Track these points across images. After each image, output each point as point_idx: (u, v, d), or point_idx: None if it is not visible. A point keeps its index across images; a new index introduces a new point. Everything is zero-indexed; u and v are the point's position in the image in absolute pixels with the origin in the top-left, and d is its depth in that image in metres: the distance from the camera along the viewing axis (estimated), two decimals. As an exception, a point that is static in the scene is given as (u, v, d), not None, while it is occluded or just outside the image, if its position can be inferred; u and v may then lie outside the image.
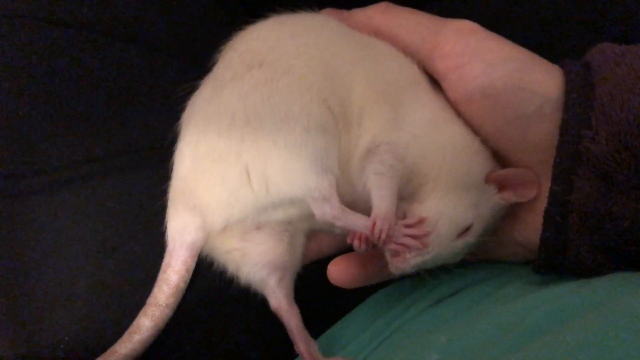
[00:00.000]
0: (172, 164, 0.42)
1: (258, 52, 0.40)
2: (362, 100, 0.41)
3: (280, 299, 0.42)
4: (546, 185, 0.37)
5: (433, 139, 0.40)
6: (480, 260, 0.43)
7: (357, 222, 0.38)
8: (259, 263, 0.42)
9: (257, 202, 0.39)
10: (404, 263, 0.38)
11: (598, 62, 0.37)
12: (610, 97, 0.34)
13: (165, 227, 0.42)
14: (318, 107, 0.39)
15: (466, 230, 0.39)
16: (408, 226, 0.38)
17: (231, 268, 0.42)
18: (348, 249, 0.42)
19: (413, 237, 0.37)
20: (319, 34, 0.42)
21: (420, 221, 0.38)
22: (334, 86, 0.40)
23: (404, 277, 0.43)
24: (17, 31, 0.42)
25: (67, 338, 0.43)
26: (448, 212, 0.39)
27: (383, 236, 0.36)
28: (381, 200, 0.37)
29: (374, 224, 0.36)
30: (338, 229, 0.41)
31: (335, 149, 0.39)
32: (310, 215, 0.39)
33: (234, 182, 0.38)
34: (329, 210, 0.38)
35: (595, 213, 0.35)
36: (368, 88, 0.41)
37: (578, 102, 0.35)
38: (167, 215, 0.42)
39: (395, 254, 0.38)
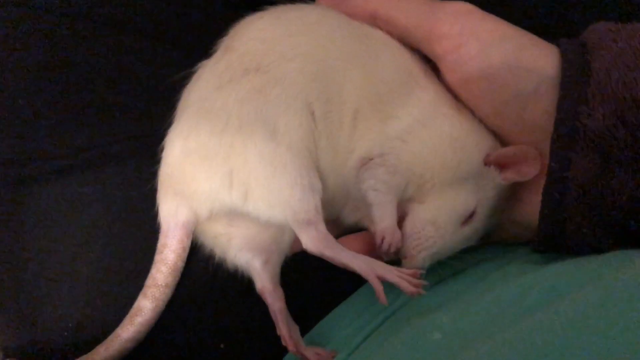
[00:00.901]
0: (163, 149, 0.42)
1: (255, 54, 0.41)
2: (357, 101, 0.41)
3: (264, 282, 0.42)
4: (544, 163, 0.37)
5: (421, 138, 0.40)
6: (481, 242, 0.43)
7: (345, 258, 0.38)
8: (244, 247, 0.42)
9: (233, 207, 0.40)
10: (414, 260, 0.39)
11: (594, 39, 0.37)
12: (606, 73, 0.35)
13: (157, 210, 0.42)
14: (300, 119, 0.39)
15: (470, 216, 0.40)
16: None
17: (218, 252, 0.43)
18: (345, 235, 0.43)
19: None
20: (315, 30, 0.42)
21: (414, 274, 0.38)
22: (324, 86, 0.40)
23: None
24: (15, 21, 0.43)
25: (70, 324, 0.43)
26: (447, 206, 0.40)
27: (392, 249, 0.38)
28: (382, 218, 0.39)
29: (382, 239, 0.38)
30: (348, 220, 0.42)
31: (314, 165, 0.40)
32: None
33: (216, 183, 0.39)
34: (315, 234, 0.38)
35: (594, 188, 0.35)
36: (362, 87, 0.41)
37: (574, 79, 0.35)
38: (158, 198, 0.42)
39: (405, 256, 0.39)
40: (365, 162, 0.41)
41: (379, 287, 0.37)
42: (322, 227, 0.38)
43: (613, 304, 0.25)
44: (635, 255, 0.32)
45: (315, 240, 0.38)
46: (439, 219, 0.39)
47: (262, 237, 0.43)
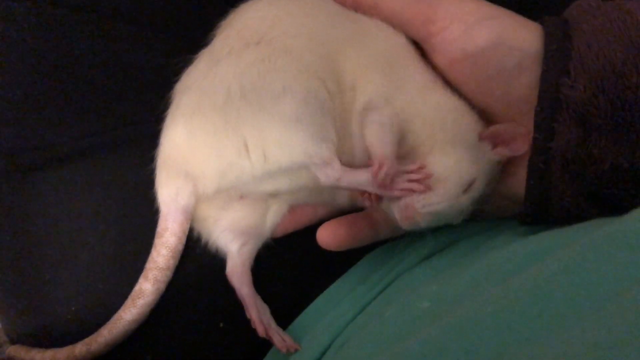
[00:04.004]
0: (161, 132, 0.43)
1: (256, 29, 0.41)
2: (353, 73, 0.42)
3: (235, 265, 0.43)
4: (530, 136, 0.38)
5: (425, 101, 0.41)
6: (472, 217, 0.44)
7: (360, 178, 0.39)
8: (227, 229, 0.43)
9: (254, 172, 0.40)
10: (416, 214, 0.39)
11: (575, 16, 0.38)
12: (587, 46, 0.36)
13: (155, 193, 0.43)
14: (317, 85, 0.40)
15: (471, 185, 0.40)
16: (409, 172, 0.39)
17: (204, 234, 0.44)
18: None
19: (416, 181, 0.38)
20: (315, 12, 0.43)
21: (421, 166, 0.39)
22: (331, 66, 0.41)
23: (395, 238, 0.45)
24: (13, 12, 0.43)
25: (73, 308, 0.44)
26: (456, 166, 0.40)
27: (388, 180, 0.38)
28: (383, 146, 0.38)
29: (378, 169, 0.37)
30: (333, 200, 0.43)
31: (332, 121, 0.40)
32: (298, 189, 0.40)
33: (231, 154, 0.39)
34: (331, 173, 0.39)
35: (576, 158, 0.36)
36: (359, 60, 0.42)
37: (557, 52, 0.36)
38: (157, 181, 0.43)
39: (404, 208, 0.39)
40: (370, 105, 0.40)
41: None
42: (337, 163, 0.39)
43: (593, 257, 0.26)
44: (610, 220, 0.33)
45: (330, 178, 0.39)
46: (450, 179, 0.39)
47: (247, 221, 0.44)
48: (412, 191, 0.39)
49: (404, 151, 0.41)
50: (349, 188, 0.40)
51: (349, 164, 0.40)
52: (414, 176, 0.39)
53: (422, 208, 0.39)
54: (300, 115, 0.38)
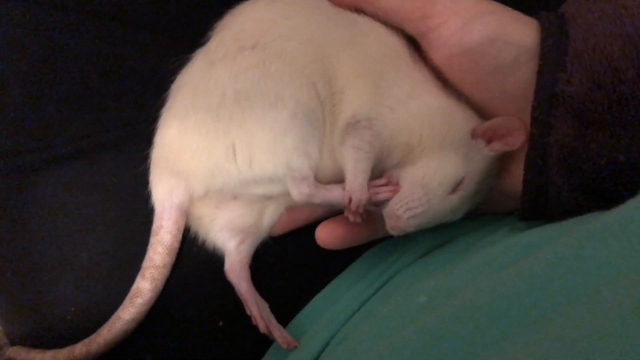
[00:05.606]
0: (156, 131, 0.43)
1: (252, 33, 0.41)
2: (346, 77, 0.42)
3: (233, 262, 0.43)
4: (526, 130, 0.38)
5: (409, 108, 0.41)
6: (470, 213, 0.44)
7: (333, 196, 0.40)
8: (224, 227, 0.44)
9: (239, 177, 0.41)
10: (399, 221, 0.39)
11: (571, 11, 0.38)
12: (583, 41, 0.36)
13: (150, 191, 0.43)
14: (307, 93, 0.40)
15: (459, 184, 0.40)
16: (378, 186, 0.40)
17: (201, 233, 0.44)
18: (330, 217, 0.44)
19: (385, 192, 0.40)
20: (311, 15, 0.43)
21: (386, 183, 0.40)
22: (324, 69, 0.41)
23: (393, 236, 0.45)
24: (9, 14, 0.43)
25: (72, 309, 0.44)
26: (437, 169, 0.40)
27: (360, 209, 0.38)
28: (355, 174, 0.39)
29: (350, 199, 0.38)
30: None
31: (318, 136, 0.41)
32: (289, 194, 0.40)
33: (219, 157, 0.40)
34: (305, 189, 0.39)
35: (573, 152, 0.36)
36: (351, 65, 0.42)
37: (553, 47, 0.36)
38: (151, 180, 0.43)
39: (388, 217, 0.39)
40: (352, 124, 0.41)
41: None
42: (312, 180, 0.40)
43: (589, 246, 0.25)
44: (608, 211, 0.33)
45: (303, 194, 0.40)
46: (429, 183, 0.40)
47: (243, 220, 0.44)
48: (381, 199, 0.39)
49: (395, 162, 0.42)
50: (322, 204, 0.40)
51: (336, 175, 0.41)
52: (382, 189, 0.40)
53: (405, 214, 0.39)
54: (288, 127, 0.39)
